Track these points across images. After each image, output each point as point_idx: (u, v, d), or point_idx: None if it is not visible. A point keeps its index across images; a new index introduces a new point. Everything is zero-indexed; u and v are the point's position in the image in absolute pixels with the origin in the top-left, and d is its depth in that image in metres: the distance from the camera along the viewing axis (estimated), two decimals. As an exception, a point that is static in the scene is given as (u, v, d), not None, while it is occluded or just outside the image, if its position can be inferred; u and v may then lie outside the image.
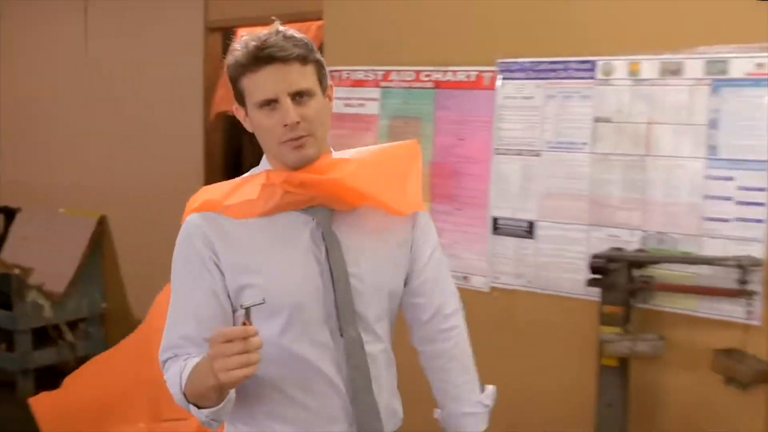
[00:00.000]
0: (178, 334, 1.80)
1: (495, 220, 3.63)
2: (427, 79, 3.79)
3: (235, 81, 1.79)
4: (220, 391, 1.65)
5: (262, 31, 1.77)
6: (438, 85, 3.76)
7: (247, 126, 1.85)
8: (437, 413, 2.09)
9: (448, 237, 3.73)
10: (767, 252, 3.02)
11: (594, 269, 3.19)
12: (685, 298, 3.17)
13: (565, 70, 3.43)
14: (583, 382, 3.36)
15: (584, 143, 3.40)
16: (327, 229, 1.81)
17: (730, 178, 3.09)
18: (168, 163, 5.16)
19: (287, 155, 1.78)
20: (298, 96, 1.75)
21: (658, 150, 3.24)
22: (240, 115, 1.85)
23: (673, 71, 3.20)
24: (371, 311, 1.86)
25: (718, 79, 3.10)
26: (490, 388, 2.10)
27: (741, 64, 3.06)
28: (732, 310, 3.08)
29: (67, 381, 3.81)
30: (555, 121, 3.47)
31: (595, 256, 3.21)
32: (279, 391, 1.82)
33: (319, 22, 4.29)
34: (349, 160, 1.84)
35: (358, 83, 4.03)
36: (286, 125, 1.74)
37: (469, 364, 2.08)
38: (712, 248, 3.12)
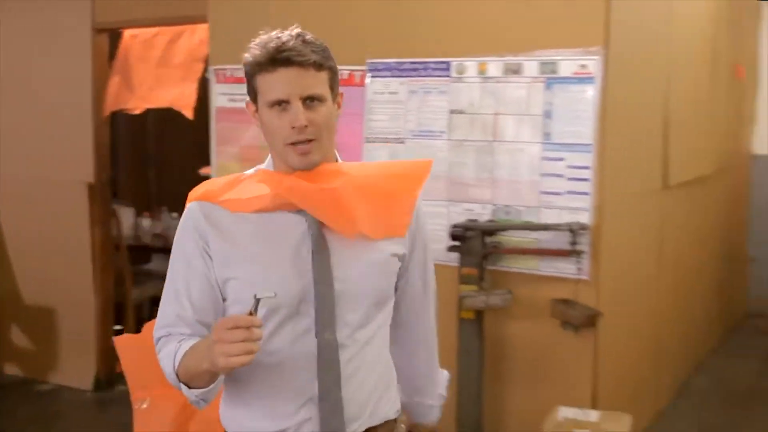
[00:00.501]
0: (174, 313, 1.86)
1: (368, 199, 4.17)
2: (305, 76, 4.29)
3: (250, 77, 1.83)
4: (212, 375, 1.73)
5: (282, 33, 1.82)
6: (315, 82, 4.26)
7: (255, 122, 1.89)
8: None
9: (327, 216, 4.25)
10: (592, 219, 3.69)
11: (453, 237, 3.79)
12: (527, 259, 3.81)
13: (424, 69, 4.01)
14: (445, 335, 3.94)
15: (442, 132, 3.99)
16: (316, 232, 1.83)
17: (561, 159, 3.75)
18: (58, 157, 5.41)
19: (292, 158, 1.81)
20: (309, 100, 1.79)
21: (503, 137, 3.86)
22: (250, 110, 1.89)
23: (514, 71, 3.82)
24: (354, 316, 1.86)
25: (550, 77, 3.75)
26: (446, 375, 2.20)
27: (568, 65, 3.71)
28: (565, 268, 3.73)
29: (146, 326, 3.93)
30: (417, 113, 4.04)
31: (454, 227, 3.81)
32: (253, 381, 1.86)
33: (204, 25, 4.70)
34: (346, 172, 1.85)
35: (241, 80, 4.46)
36: (294, 127, 1.78)
37: (435, 354, 2.16)
38: (548, 217, 3.76)
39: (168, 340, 1.86)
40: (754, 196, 7.23)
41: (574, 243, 3.65)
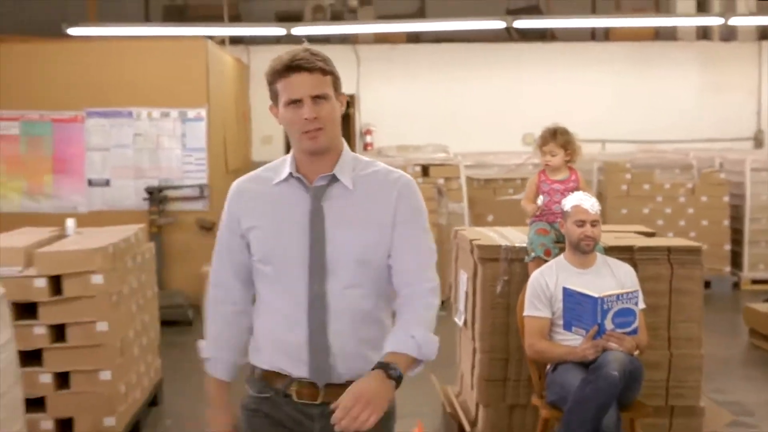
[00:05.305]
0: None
1: (89, 180, 8.12)
2: (47, 117, 8.07)
3: (271, 84, 2.29)
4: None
5: (294, 48, 2.27)
6: (54, 120, 8.08)
7: (279, 120, 2.31)
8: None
9: (64, 191, 8.13)
10: (207, 182, 8.13)
11: (148, 193, 7.97)
12: (180, 203, 8.15)
13: (119, 114, 8.12)
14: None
15: (130, 144, 8.14)
16: (316, 204, 2.29)
17: (191, 155, 8.17)
18: None
19: (305, 143, 2.27)
20: (317, 98, 2.23)
21: (162, 146, 8.15)
22: (273, 111, 2.32)
23: (166, 115, 8.13)
24: (341, 273, 2.27)
25: (185, 117, 8.14)
26: (423, 335, 2.27)
27: (192, 112, 8.13)
28: (198, 205, 8.13)
29: None
30: (117, 136, 8.11)
31: (147, 188, 7.99)
32: (265, 327, 2.37)
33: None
34: None
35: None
36: (306, 119, 2.23)
37: (416, 320, 2.28)
38: (188, 182, 8.13)
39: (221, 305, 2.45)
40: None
41: (201, 193, 8.09)
